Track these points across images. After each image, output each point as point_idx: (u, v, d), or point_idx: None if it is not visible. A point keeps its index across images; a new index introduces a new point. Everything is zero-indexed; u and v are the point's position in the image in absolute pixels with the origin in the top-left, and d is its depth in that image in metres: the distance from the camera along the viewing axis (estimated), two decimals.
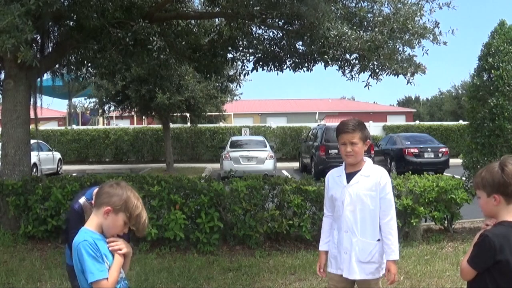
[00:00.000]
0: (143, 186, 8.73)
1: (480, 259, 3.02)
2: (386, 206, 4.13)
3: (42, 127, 31.71)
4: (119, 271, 3.04)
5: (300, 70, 10.65)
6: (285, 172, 22.86)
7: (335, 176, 4.31)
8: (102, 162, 31.39)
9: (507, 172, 2.99)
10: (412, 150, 22.32)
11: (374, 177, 4.13)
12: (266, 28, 10.69)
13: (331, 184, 4.32)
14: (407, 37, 9.28)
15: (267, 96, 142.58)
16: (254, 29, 10.90)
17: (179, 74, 21.20)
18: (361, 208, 4.09)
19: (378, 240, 4.13)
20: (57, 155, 25.70)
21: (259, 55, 10.97)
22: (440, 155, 22.48)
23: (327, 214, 4.39)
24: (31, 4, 7.04)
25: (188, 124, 31.37)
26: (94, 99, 26.45)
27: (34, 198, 8.95)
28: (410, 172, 10.20)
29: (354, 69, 9.91)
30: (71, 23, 10.29)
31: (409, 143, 23.03)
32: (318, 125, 27.21)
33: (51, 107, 45.51)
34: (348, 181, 4.16)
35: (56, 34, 10.70)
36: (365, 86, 9.81)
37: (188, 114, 27.61)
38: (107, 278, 2.89)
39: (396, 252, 4.08)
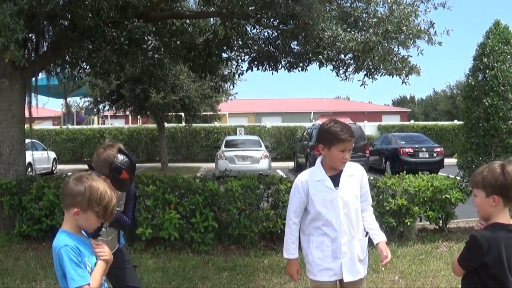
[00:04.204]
0: (138, 186, 8.71)
1: (468, 259, 3.06)
2: (367, 197, 4.24)
3: (37, 126, 31.66)
4: (102, 276, 3.01)
5: (295, 70, 10.63)
6: (280, 172, 22.87)
7: (314, 181, 4.10)
8: None
9: (510, 175, 3.00)
10: (407, 150, 22.39)
11: (356, 176, 4.13)
12: (261, 27, 10.68)
13: (312, 188, 4.09)
14: (402, 38, 9.28)
15: (262, 95, 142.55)
16: (249, 28, 10.88)
17: (173, 73, 21.23)
18: (355, 208, 4.07)
19: (366, 234, 4.18)
20: (52, 155, 25.65)
21: (254, 54, 10.95)
22: (435, 154, 22.55)
23: (296, 221, 4.20)
24: (24, 3, 7.02)
25: (183, 124, 31.36)
26: (88, 98, 26.44)
27: (28, 198, 8.92)
28: (405, 171, 10.21)
29: (349, 69, 9.91)
30: (65, 22, 10.25)
31: (404, 142, 23.09)
32: (313, 124, 27.27)
33: (46, 107, 45.34)
34: (335, 185, 4.05)
35: (51, 33, 10.67)
36: (361, 85, 9.80)
37: (183, 114, 27.63)
38: (89, 284, 2.85)
39: (383, 233, 4.24)
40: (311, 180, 4.12)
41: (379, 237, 4.18)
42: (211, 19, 11.95)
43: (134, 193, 4.57)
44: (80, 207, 2.88)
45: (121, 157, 4.01)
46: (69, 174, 8.20)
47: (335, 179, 4.06)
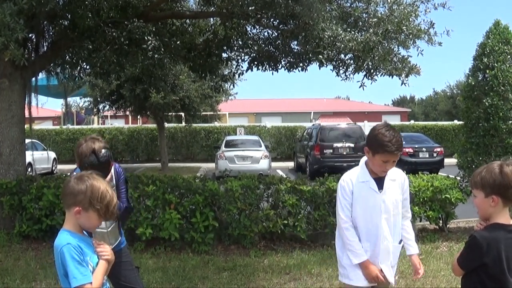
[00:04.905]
0: (138, 186, 8.71)
1: (467, 259, 3.07)
2: (407, 205, 4.15)
3: (37, 126, 31.64)
4: (104, 276, 3.01)
5: (294, 70, 10.63)
6: (280, 172, 22.83)
7: (359, 182, 3.98)
8: None
9: (507, 175, 3.00)
10: (407, 150, 22.32)
11: (398, 181, 4.06)
12: (261, 27, 10.69)
13: (356, 190, 3.97)
14: (402, 38, 9.28)
15: (262, 95, 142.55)
16: (249, 28, 10.89)
17: (173, 73, 21.21)
18: (394, 214, 3.98)
19: (400, 241, 4.11)
20: (52, 155, 25.63)
21: (254, 54, 10.96)
22: (435, 154, 22.51)
23: (351, 224, 3.98)
24: (24, 3, 7.03)
25: (183, 124, 31.34)
26: (88, 98, 26.45)
27: (28, 198, 8.92)
28: (405, 171, 10.18)
29: (349, 69, 9.91)
30: (65, 22, 10.26)
31: (404, 142, 22.99)
32: (313, 124, 27.25)
33: (45, 107, 45.37)
34: (379, 188, 3.95)
35: (51, 33, 10.68)
36: (360, 87, 9.82)
37: (183, 114, 27.61)
38: (91, 283, 2.84)
39: (416, 245, 4.23)
40: (357, 181, 3.99)
41: (414, 249, 4.16)
42: (211, 19, 11.96)
43: (125, 178, 4.66)
44: (81, 206, 2.89)
45: (92, 157, 4.11)
46: (69, 174, 8.17)
47: (379, 182, 3.95)
